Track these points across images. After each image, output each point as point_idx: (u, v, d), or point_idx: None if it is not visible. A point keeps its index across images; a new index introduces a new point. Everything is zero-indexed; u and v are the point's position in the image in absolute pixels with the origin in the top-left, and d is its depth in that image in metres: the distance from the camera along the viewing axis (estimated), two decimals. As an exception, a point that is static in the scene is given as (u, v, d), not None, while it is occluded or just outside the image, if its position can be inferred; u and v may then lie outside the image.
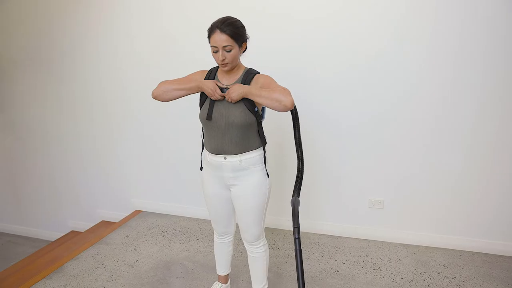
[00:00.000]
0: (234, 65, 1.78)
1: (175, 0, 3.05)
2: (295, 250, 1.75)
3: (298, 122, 1.91)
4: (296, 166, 1.96)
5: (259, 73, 1.85)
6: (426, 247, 2.84)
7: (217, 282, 2.27)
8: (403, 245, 2.88)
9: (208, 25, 1.74)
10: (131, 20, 3.23)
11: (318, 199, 3.07)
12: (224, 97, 1.75)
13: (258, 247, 2.01)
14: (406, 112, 2.71)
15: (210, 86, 1.74)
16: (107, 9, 3.27)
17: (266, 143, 1.92)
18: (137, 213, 3.63)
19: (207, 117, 1.79)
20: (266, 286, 2.11)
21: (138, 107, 3.42)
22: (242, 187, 1.87)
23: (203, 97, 1.85)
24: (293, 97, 1.67)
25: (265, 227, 3.14)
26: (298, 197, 1.92)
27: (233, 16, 1.78)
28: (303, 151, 1.98)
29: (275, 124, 2.83)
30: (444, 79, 2.58)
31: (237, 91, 1.69)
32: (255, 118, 1.79)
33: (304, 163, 1.99)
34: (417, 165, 2.77)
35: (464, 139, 2.64)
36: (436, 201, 2.79)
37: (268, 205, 1.97)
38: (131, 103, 3.45)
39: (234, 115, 1.74)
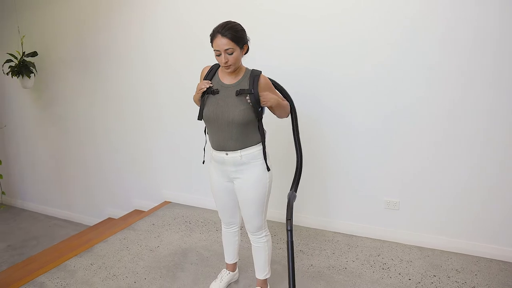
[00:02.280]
0: (237, 66, 1.91)
1: (200, 5, 3.24)
2: (287, 242, 1.86)
3: (296, 118, 2.03)
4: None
5: (261, 73, 1.97)
6: (442, 251, 2.80)
7: (224, 269, 2.41)
8: (418, 247, 2.86)
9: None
10: (159, 23, 3.47)
11: (334, 198, 3.12)
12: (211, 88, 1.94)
13: (260, 237, 2.13)
14: (424, 112, 2.69)
15: (196, 90, 1.97)
16: (139, 15, 3.54)
17: (265, 138, 2.04)
18: (166, 203, 3.87)
19: (200, 117, 1.98)
20: (268, 275, 2.22)
21: (167, 105, 3.66)
22: (244, 180, 2.00)
23: (203, 96, 1.99)
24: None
25: (277, 222, 3.26)
26: (295, 192, 2.01)
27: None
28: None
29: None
30: (455, 81, 2.55)
31: (272, 99, 1.91)
32: (255, 116, 1.92)
33: (302, 159, 2.09)
34: (433, 167, 2.74)
35: (486, 142, 2.58)
36: (454, 204, 2.74)
37: (270, 198, 2.09)
38: (160, 101, 3.69)
39: (234, 114, 1.87)
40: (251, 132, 1.95)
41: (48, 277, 2.56)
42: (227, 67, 1.88)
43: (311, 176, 3.15)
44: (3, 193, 4.78)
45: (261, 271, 2.20)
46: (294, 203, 2.79)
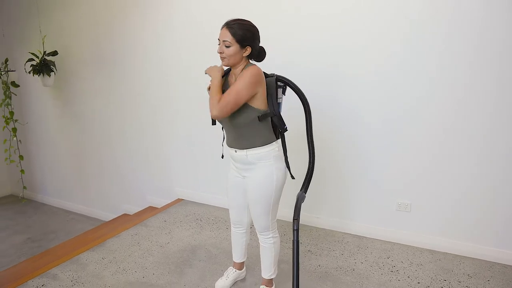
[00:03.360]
0: (231, 63, 1.88)
1: (213, 6, 3.27)
2: (293, 241, 1.85)
3: (311, 119, 2.00)
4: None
5: (253, 66, 1.88)
6: (455, 255, 2.74)
7: (231, 267, 2.42)
8: (429, 250, 2.80)
9: None
10: (173, 25, 3.52)
11: (345, 199, 3.09)
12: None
13: (267, 238, 2.13)
14: (436, 114, 2.64)
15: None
16: (153, 17, 3.60)
17: (280, 139, 2.02)
18: (178, 201, 3.92)
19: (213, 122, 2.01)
20: (274, 275, 2.22)
21: (181, 106, 3.71)
22: (251, 179, 2.01)
23: None
24: (220, 112, 1.78)
25: (288, 222, 3.25)
26: (305, 193, 2.00)
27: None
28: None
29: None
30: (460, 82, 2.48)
31: (212, 72, 1.92)
32: (256, 117, 1.88)
33: (315, 160, 2.06)
34: (447, 169, 2.68)
35: (504, 144, 2.50)
36: (468, 208, 2.67)
37: (282, 198, 2.08)
38: (174, 102, 3.75)
39: (234, 115, 1.88)
40: (257, 132, 1.93)
41: (61, 269, 2.64)
42: (221, 59, 1.89)
43: (323, 177, 3.13)
44: (24, 187, 4.94)
45: (267, 271, 2.20)
46: (305, 203, 2.80)
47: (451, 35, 2.49)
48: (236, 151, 2.00)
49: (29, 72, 4.30)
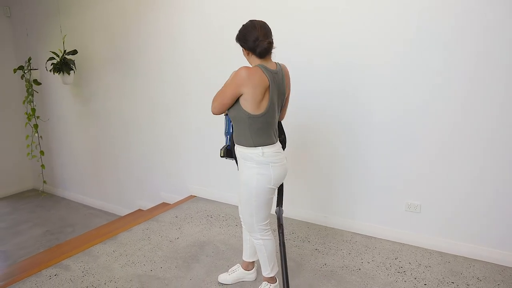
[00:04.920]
0: (249, 63, 1.99)
1: (226, 5, 3.31)
2: (280, 243, 2.03)
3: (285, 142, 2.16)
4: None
5: (242, 67, 1.87)
6: (465, 258, 2.69)
7: (238, 264, 2.45)
8: (439, 252, 2.76)
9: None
10: (187, 25, 3.58)
11: (354, 198, 3.08)
12: None
13: (256, 239, 2.13)
14: (448, 113, 2.60)
15: None
16: (168, 17, 3.67)
17: (263, 145, 1.95)
18: (191, 197, 3.98)
19: None
20: (272, 273, 2.20)
21: (194, 104, 3.76)
22: (239, 176, 2.08)
23: None
24: (212, 109, 1.97)
25: (302, 222, 3.26)
26: (282, 207, 2.10)
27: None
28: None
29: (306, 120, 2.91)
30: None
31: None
32: (244, 115, 1.89)
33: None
34: (458, 170, 2.64)
35: None
36: (480, 209, 2.62)
37: (267, 205, 2.06)
38: (188, 100, 3.80)
39: (229, 109, 1.96)
40: (242, 132, 1.95)
41: (73, 260, 2.73)
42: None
43: (332, 176, 3.12)
44: (44, 182, 5.11)
45: (264, 269, 2.20)
46: (314, 201, 2.85)
47: (460, 30, 2.45)
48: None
49: (50, 71, 4.44)
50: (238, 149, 2.02)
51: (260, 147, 1.95)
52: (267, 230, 2.12)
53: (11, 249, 3.97)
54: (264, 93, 1.85)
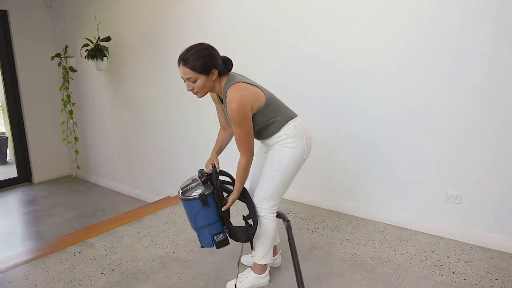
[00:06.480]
0: (205, 92, 1.90)
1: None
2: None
3: None
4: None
5: (233, 85, 1.86)
6: (511, 255, 2.45)
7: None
8: (481, 248, 2.53)
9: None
10: (218, 10, 3.51)
11: (389, 187, 2.89)
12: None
13: (257, 216, 2.03)
14: (496, 98, 2.37)
15: None
16: (201, 5, 3.62)
17: (289, 119, 1.97)
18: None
19: None
20: (262, 261, 2.08)
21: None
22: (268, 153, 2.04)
23: None
24: (250, 152, 1.90)
25: (332, 211, 3.12)
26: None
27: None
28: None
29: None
30: None
31: (232, 199, 1.99)
32: (259, 114, 1.90)
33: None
34: (504, 158, 2.40)
35: None
36: (528, 202, 2.38)
37: (287, 182, 2.01)
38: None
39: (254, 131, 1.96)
40: (266, 123, 1.94)
41: (98, 239, 2.73)
42: (195, 94, 1.88)
43: (366, 164, 2.96)
44: (78, 167, 5.23)
45: (256, 252, 2.09)
46: (344, 191, 2.72)
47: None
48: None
49: (85, 57, 4.52)
50: (273, 141, 1.97)
51: (289, 123, 1.95)
52: (273, 212, 2.03)
53: (45, 229, 4.08)
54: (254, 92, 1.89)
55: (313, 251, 2.52)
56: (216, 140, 2.22)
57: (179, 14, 3.85)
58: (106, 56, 4.49)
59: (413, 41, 2.59)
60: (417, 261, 2.38)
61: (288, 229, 2.03)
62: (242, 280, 2.11)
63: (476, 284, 2.14)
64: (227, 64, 1.91)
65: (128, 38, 4.47)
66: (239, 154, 1.91)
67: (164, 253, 2.51)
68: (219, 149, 2.20)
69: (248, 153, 1.90)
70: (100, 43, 4.47)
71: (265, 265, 2.12)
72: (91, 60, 4.47)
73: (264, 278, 2.12)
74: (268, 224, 2.02)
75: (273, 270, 2.27)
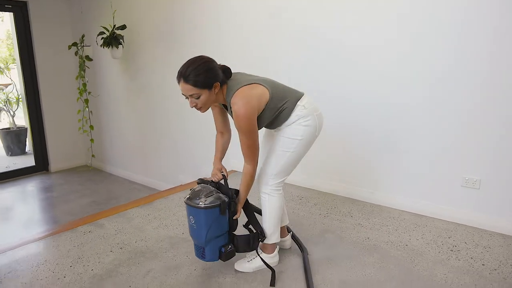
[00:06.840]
0: (209, 105, 1.84)
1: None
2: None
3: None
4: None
5: (235, 93, 1.80)
6: (533, 242, 2.34)
7: None
8: (501, 235, 2.43)
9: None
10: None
11: (404, 173, 2.81)
12: None
13: (262, 193, 2.01)
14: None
15: None
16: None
17: (298, 99, 1.93)
18: (232, 172, 3.90)
19: None
20: (269, 241, 2.04)
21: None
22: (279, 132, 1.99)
23: None
24: (255, 160, 1.87)
25: (346, 198, 3.05)
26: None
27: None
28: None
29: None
30: None
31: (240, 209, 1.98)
32: (267, 108, 1.87)
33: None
34: (527, 140, 2.30)
35: None
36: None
37: (296, 161, 1.97)
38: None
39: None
40: (278, 112, 1.90)
41: (108, 220, 2.73)
42: (199, 110, 1.82)
43: (381, 150, 2.88)
44: (93, 155, 5.27)
45: (264, 225, 2.03)
46: (358, 177, 2.72)
47: None
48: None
49: (100, 45, 4.55)
50: (286, 125, 1.93)
51: (298, 104, 1.91)
52: (278, 189, 2.00)
53: (59, 214, 4.14)
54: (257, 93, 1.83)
55: (325, 235, 2.46)
56: (216, 147, 2.16)
57: (194, 2, 3.83)
58: (121, 44, 4.51)
59: (433, 23, 2.50)
60: (433, 246, 2.30)
61: (305, 257, 2.07)
62: (251, 260, 2.07)
63: (495, 269, 2.05)
64: (226, 73, 1.84)
65: (143, 26, 4.48)
66: (244, 160, 1.87)
67: (174, 234, 2.50)
68: (221, 156, 2.16)
69: (254, 161, 1.87)
70: (116, 31, 4.49)
71: (274, 244, 2.07)
72: (107, 48, 4.50)
73: (273, 258, 2.08)
74: (273, 201, 1.99)
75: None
